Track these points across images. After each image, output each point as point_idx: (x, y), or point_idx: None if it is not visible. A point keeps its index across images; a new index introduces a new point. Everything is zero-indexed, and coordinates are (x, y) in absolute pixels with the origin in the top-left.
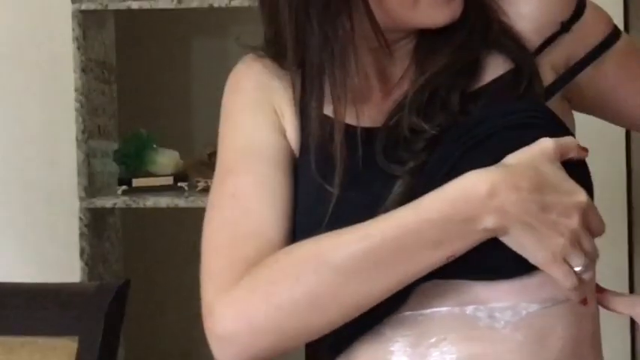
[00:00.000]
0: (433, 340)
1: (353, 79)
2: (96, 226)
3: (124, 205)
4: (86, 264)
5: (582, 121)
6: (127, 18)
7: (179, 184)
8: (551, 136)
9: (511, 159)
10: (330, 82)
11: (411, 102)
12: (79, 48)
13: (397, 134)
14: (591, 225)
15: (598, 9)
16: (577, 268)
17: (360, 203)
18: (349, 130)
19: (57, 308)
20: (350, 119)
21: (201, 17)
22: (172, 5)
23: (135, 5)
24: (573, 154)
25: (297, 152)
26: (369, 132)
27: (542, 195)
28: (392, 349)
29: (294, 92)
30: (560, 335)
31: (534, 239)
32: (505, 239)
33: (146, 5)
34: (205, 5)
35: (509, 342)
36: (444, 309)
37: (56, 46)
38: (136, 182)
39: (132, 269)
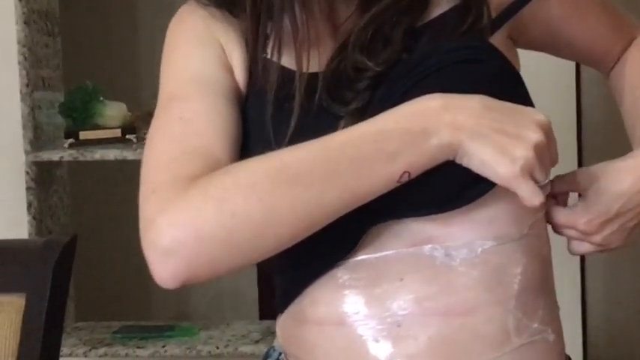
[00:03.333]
0: (390, 282)
1: (315, 21)
2: (43, 179)
3: (70, 159)
4: (34, 218)
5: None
6: None
7: (127, 136)
8: (495, 70)
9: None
10: (291, 22)
11: (355, 40)
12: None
13: (340, 74)
14: (551, 152)
15: None
16: (541, 184)
17: None
18: (310, 79)
19: (3, 265)
20: (310, 67)
21: None
22: None
23: None
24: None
25: (244, 96)
26: (314, 77)
27: (499, 113)
28: (346, 292)
29: (244, 36)
30: (514, 272)
31: (495, 151)
32: (465, 160)
33: None
34: None
35: (465, 278)
36: (400, 250)
37: None
38: (83, 135)
39: (80, 222)
